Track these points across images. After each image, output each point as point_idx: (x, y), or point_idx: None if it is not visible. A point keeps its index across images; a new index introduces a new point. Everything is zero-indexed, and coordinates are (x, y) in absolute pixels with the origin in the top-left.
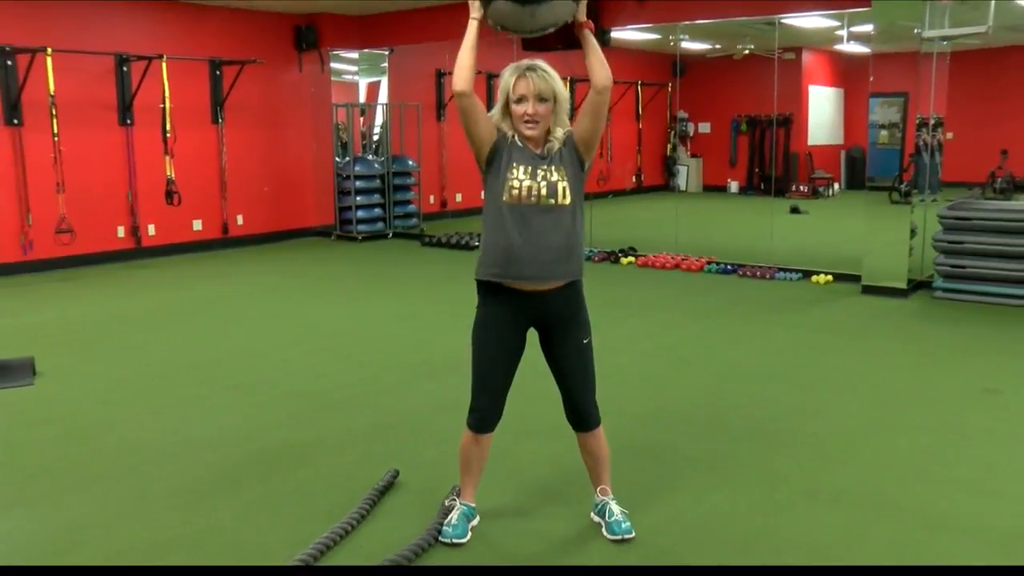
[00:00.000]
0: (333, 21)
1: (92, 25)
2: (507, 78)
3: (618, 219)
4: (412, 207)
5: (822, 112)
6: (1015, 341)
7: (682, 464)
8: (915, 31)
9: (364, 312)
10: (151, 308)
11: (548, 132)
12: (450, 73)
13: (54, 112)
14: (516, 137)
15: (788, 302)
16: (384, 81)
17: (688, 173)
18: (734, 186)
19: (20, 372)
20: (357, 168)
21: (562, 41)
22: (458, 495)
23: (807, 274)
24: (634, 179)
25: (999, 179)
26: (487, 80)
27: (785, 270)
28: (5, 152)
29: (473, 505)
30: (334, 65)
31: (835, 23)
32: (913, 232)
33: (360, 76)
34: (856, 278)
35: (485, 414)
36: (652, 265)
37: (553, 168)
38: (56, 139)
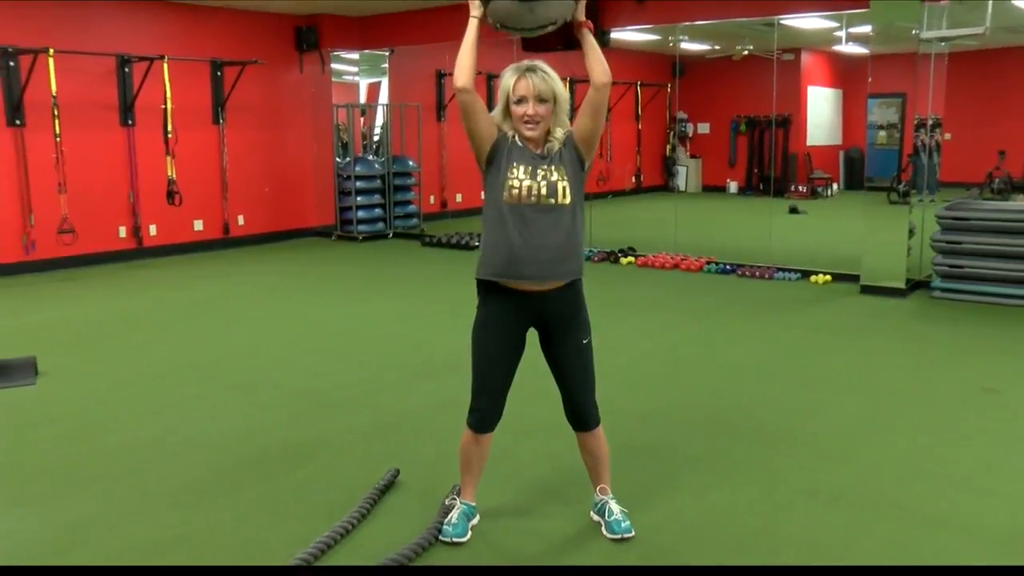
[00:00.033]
0: (334, 22)
1: (94, 26)
2: (507, 79)
3: (618, 219)
4: (412, 207)
5: (821, 113)
6: (1013, 341)
7: (681, 463)
8: (913, 32)
9: (365, 312)
10: (152, 308)
11: (548, 132)
12: (450, 74)
13: (56, 113)
14: (516, 137)
15: (787, 302)
16: (384, 82)
17: (687, 173)
18: (733, 186)
19: (22, 372)
20: (357, 168)
21: (562, 42)
22: (458, 494)
23: (806, 274)
24: (633, 179)
25: (996, 179)
26: (487, 81)
27: (784, 270)
28: (7, 152)
29: (473, 504)
30: (335, 66)
31: (834, 24)
32: (911, 232)
33: (360, 77)
34: (855, 278)
35: (485, 414)
36: (651, 265)
37: (553, 168)
38: (58, 140)
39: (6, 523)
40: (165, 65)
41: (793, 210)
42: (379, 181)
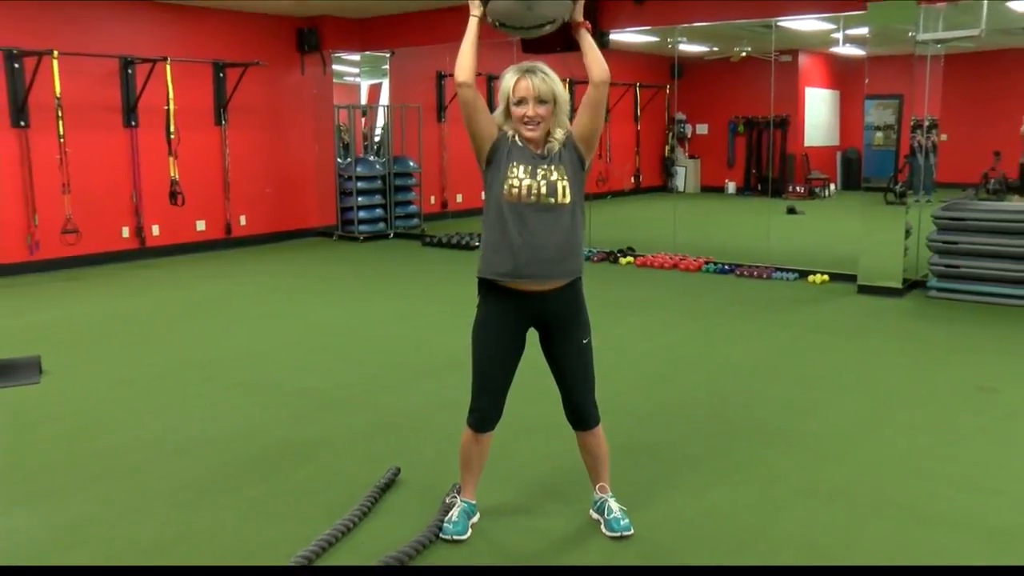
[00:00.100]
0: (335, 24)
1: (97, 28)
2: (507, 80)
3: (617, 219)
4: (413, 207)
5: (818, 114)
6: (1009, 340)
7: (680, 462)
8: (910, 34)
9: (365, 312)
10: (155, 308)
11: (548, 133)
12: (450, 75)
13: (60, 114)
14: (517, 137)
15: (785, 302)
16: (385, 83)
17: (686, 174)
18: (731, 187)
19: (26, 371)
20: (359, 169)
21: (561, 43)
22: (459, 492)
23: (804, 274)
24: (633, 180)
25: (992, 180)
26: (487, 82)
27: (782, 270)
28: (12, 153)
29: (474, 502)
30: (336, 67)
31: (831, 26)
32: (908, 232)
33: (361, 78)
34: (852, 278)
35: (485, 414)
36: (650, 265)
37: (553, 168)
38: (62, 140)
39: (9, 521)
40: (168, 67)
41: (791, 210)
42: (380, 182)
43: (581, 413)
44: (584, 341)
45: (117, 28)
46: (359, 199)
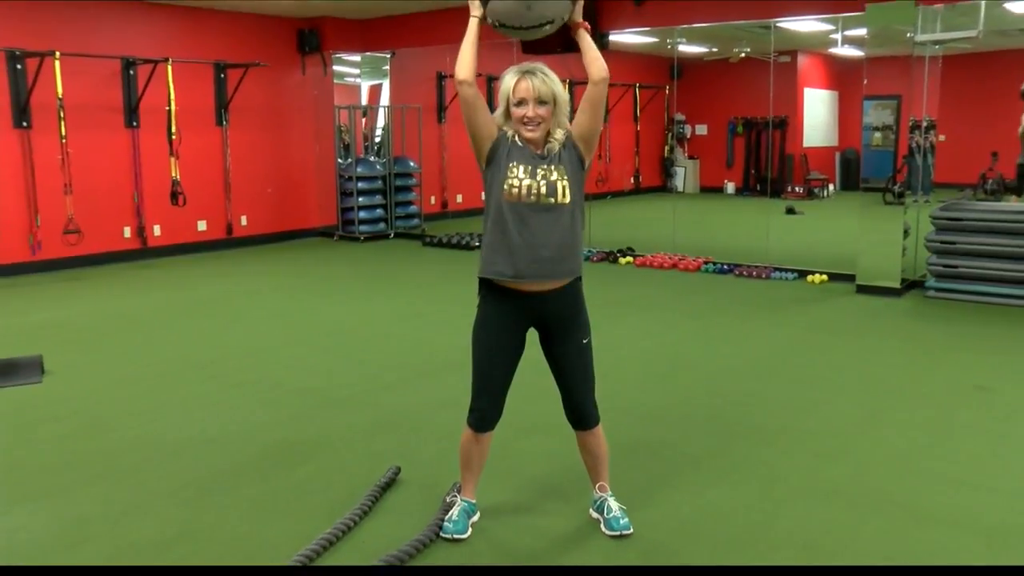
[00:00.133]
0: (335, 25)
1: (99, 29)
2: (507, 81)
3: (616, 220)
4: (413, 208)
5: (817, 114)
6: (1005, 339)
7: (679, 461)
8: (908, 35)
9: (366, 311)
10: (156, 307)
11: (548, 134)
12: (450, 76)
13: (62, 115)
14: (517, 137)
15: (784, 301)
16: (386, 84)
17: (685, 174)
18: (731, 187)
19: (29, 370)
20: (359, 169)
21: (561, 44)
22: (459, 491)
23: (802, 274)
24: (632, 180)
25: (990, 180)
26: (487, 83)
27: (781, 270)
28: (14, 154)
29: (474, 501)
30: (336, 68)
31: (830, 27)
32: (906, 232)
33: (362, 79)
34: (851, 278)
35: (485, 413)
36: (650, 265)
37: (553, 168)
38: (64, 141)
39: (12, 520)
40: (169, 67)
41: (790, 211)
42: (380, 182)
43: (581, 413)
44: (584, 341)
45: (119, 29)
46: (360, 199)
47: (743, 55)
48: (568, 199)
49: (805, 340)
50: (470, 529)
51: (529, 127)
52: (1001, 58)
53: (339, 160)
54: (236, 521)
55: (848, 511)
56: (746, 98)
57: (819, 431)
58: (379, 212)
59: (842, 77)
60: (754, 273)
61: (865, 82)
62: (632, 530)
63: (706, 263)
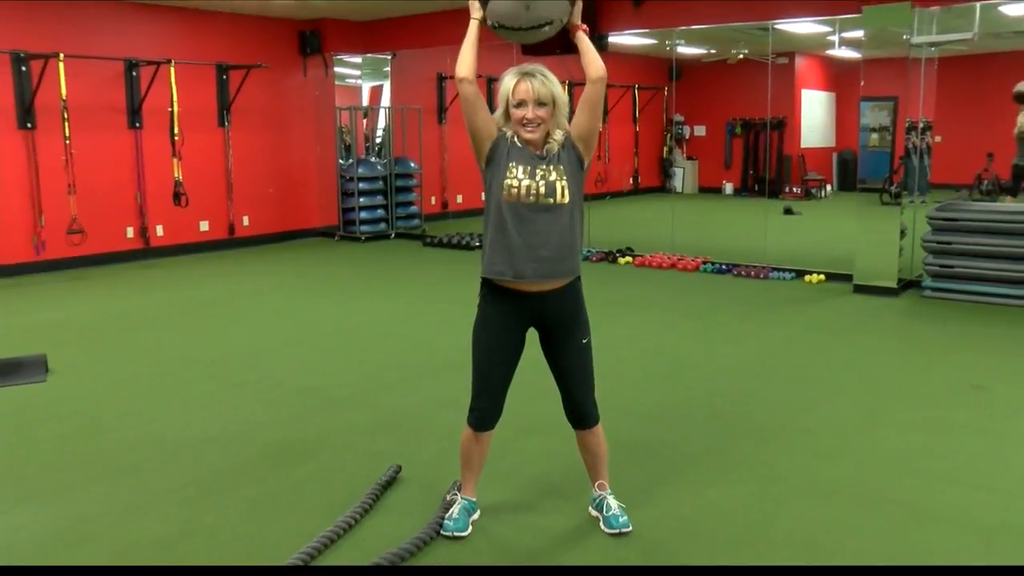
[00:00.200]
0: (337, 26)
1: (102, 31)
2: (507, 82)
3: (615, 220)
4: (414, 208)
5: (814, 115)
6: (1001, 339)
7: (679, 460)
8: (904, 37)
9: (367, 311)
10: (159, 307)
11: (548, 135)
12: (450, 77)
13: (66, 116)
14: (516, 138)
15: (782, 301)
16: (386, 85)
17: (684, 175)
18: (729, 188)
19: (33, 369)
20: (360, 170)
21: (561, 46)
22: (459, 490)
23: (800, 274)
24: (631, 181)
25: (985, 181)
26: (487, 84)
27: (779, 270)
28: (19, 155)
29: (474, 499)
30: (338, 69)
31: (827, 29)
32: (903, 233)
33: (363, 80)
34: (848, 277)
35: (485, 413)
36: (649, 265)
37: (552, 168)
38: (68, 142)
39: (16, 518)
40: (172, 69)
41: (788, 211)
42: (381, 182)
43: (581, 412)
44: (584, 341)
45: (122, 31)
46: (360, 200)
47: (741, 56)
48: (567, 199)
49: (803, 340)
50: (470, 527)
51: (528, 128)
52: (996, 60)
53: (340, 161)
54: (237, 520)
55: (847, 510)
56: (744, 99)
57: (818, 430)
58: (380, 212)
59: (839, 78)
60: (752, 273)
61: (862, 83)
62: (631, 528)
63: (705, 263)
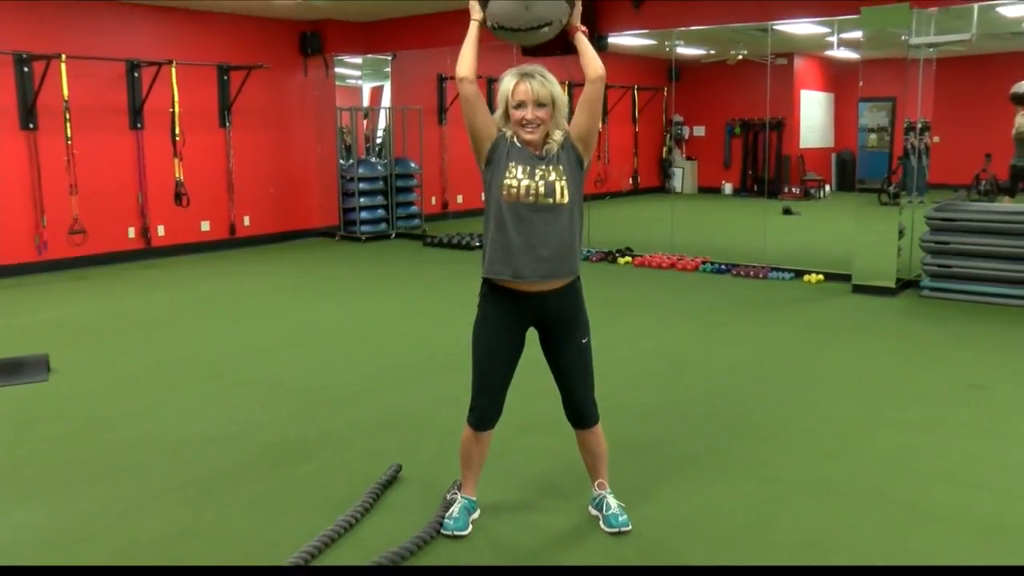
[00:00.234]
0: (337, 27)
1: (104, 32)
2: (507, 83)
3: (615, 220)
4: (414, 208)
5: (813, 116)
6: (998, 338)
7: (678, 459)
8: (903, 38)
9: (367, 311)
10: (160, 307)
11: (547, 135)
12: (450, 78)
13: (68, 116)
14: (516, 139)
15: (781, 301)
16: (387, 85)
17: (683, 175)
18: (728, 188)
19: (35, 368)
20: (361, 170)
21: (560, 46)
22: (459, 489)
23: (799, 274)
24: (631, 181)
25: (983, 181)
26: (487, 84)
27: (778, 270)
28: (21, 155)
29: (474, 498)
30: (338, 70)
31: (826, 30)
32: (901, 233)
33: (363, 81)
34: (847, 277)
35: (485, 412)
36: (648, 265)
37: (551, 168)
38: (69, 143)
39: (19, 516)
40: (173, 70)
41: (787, 211)
42: (382, 183)
43: (581, 412)
44: (584, 341)
45: (124, 32)
46: (361, 200)
47: (740, 57)
48: (566, 199)
49: (802, 339)
50: (471, 526)
51: (528, 129)
52: (994, 61)
53: (341, 161)
54: (237, 519)
55: (845, 508)
56: (743, 100)
57: (816, 429)
58: (380, 212)
59: (838, 79)
60: (751, 273)
61: (861, 84)
62: (631, 527)
63: (704, 263)
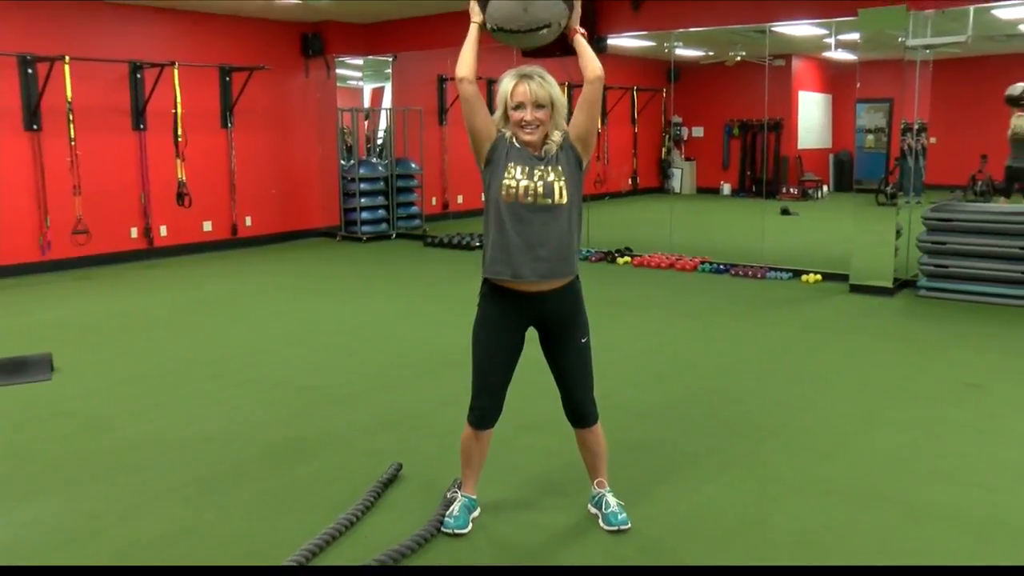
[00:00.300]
0: (338, 29)
1: (107, 34)
2: (506, 84)
3: (614, 220)
4: (415, 208)
5: (811, 117)
6: (995, 338)
7: (677, 458)
8: (900, 40)
9: (368, 310)
10: (163, 306)
11: (546, 136)
12: (451, 79)
13: (71, 118)
14: (515, 139)
15: (779, 301)
16: (388, 86)
17: (682, 176)
18: (727, 188)
19: (38, 367)
20: (362, 171)
21: (560, 48)
22: (459, 487)
23: (797, 273)
24: (630, 181)
25: (979, 182)
26: (487, 85)
27: (776, 270)
28: (25, 156)
29: (474, 497)
30: (339, 71)
31: (823, 31)
32: (898, 233)
33: (364, 82)
34: (844, 277)
35: (485, 412)
36: (647, 265)
37: (550, 168)
38: (73, 143)
39: (23, 514)
40: (175, 71)
41: (785, 211)
42: (382, 183)
43: (580, 411)
44: (583, 340)
45: (126, 34)
46: (362, 200)
47: (739, 59)
48: (565, 199)
49: (800, 339)
50: (471, 524)
51: (527, 130)
52: (990, 62)
53: (342, 162)
54: (238, 518)
55: (842, 507)
56: (742, 101)
57: (814, 428)
58: (381, 213)
59: (835, 80)
60: (750, 273)
61: (858, 85)
62: (630, 525)
63: (703, 263)
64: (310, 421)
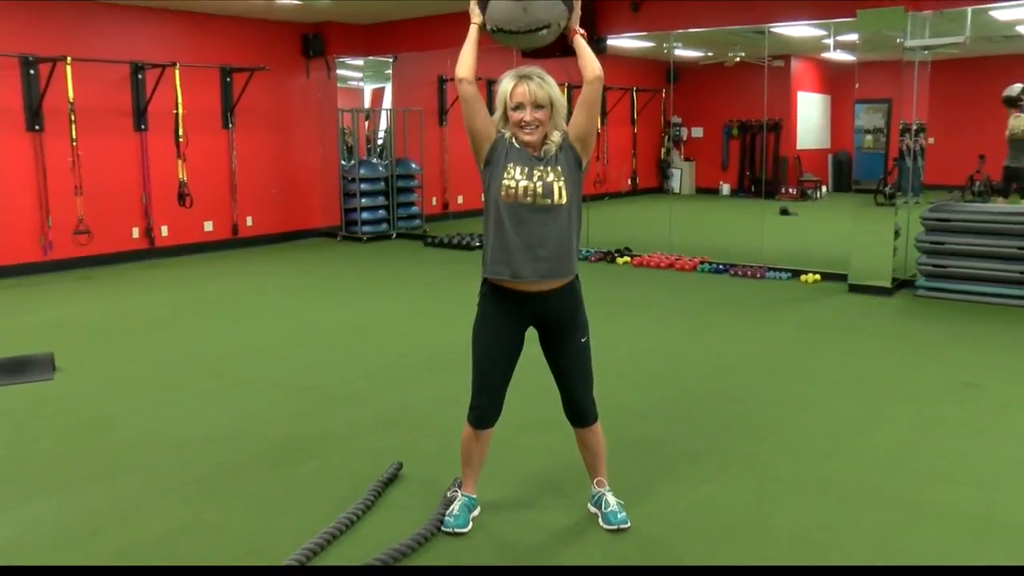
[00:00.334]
0: (339, 29)
1: (109, 35)
2: (505, 85)
3: (614, 220)
4: (415, 209)
5: (810, 117)
6: (993, 337)
7: (676, 457)
8: (898, 40)
9: (368, 310)
10: (164, 306)
11: (546, 137)
12: (451, 79)
13: (73, 118)
14: (515, 140)
15: (778, 300)
16: (388, 87)
17: (681, 176)
18: (726, 188)
19: (40, 367)
20: (362, 171)
21: (560, 48)
22: (460, 486)
23: (796, 273)
24: (629, 182)
25: (977, 182)
26: (487, 86)
27: (775, 270)
28: (27, 157)
29: (474, 496)
30: (340, 72)
31: (822, 32)
32: (897, 233)
33: (365, 82)
34: (843, 277)
35: (485, 411)
36: (647, 265)
37: (549, 169)
38: (74, 144)
39: (25, 513)
40: (177, 72)
41: (784, 211)
42: (383, 183)
43: (580, 410)
44: (583, 340)
45: (128, 35)
46: (362, 200)
47: (738, 59)
48: (564, 200)
49: (799, 338)
50: (471, 523)
51: (526, 131)
52: (988, 63)
53: (342, 162)
54: (239, 517)
55: (841, 506)
56: (741, 101)
57: (813, 428)
58: (381, 213)
59: (834, 81)
60: (749, 273)
61: (857, 86)
62: (629, 524)
63: (702, 263)
64: (310, 420)
